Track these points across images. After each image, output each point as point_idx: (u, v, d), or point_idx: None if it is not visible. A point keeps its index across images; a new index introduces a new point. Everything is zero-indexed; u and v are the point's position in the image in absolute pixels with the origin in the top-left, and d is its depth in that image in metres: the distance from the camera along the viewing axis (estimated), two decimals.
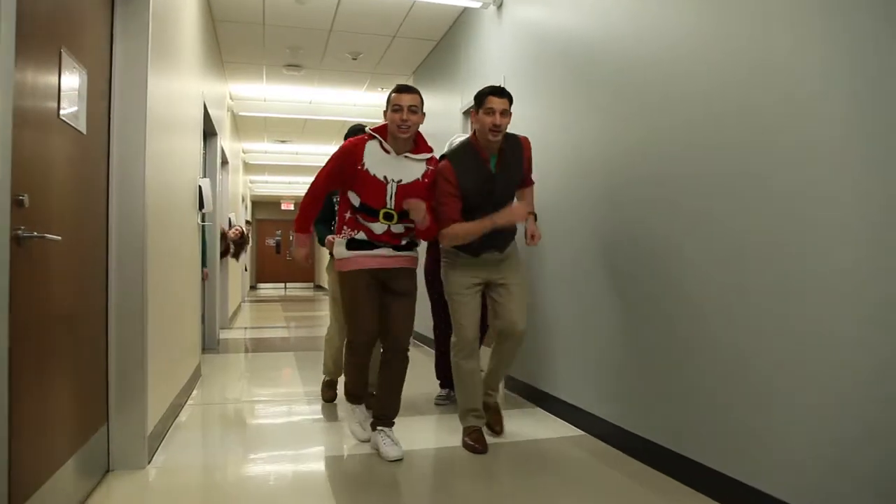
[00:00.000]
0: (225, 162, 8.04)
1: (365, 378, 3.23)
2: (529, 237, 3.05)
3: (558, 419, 3.74)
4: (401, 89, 2.91)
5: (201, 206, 4.77)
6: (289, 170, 14.08)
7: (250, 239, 9.50)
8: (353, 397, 3.25)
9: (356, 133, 3.38)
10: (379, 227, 2.97)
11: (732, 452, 2.40)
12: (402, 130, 2.86)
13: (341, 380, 3.82)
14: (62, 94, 2.09)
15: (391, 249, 3.01)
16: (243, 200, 13.17)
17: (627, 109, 3.15)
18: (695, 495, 2.54)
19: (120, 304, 2.72)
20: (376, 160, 2.91)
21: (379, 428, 3.07)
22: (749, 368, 2.33)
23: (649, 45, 2.96)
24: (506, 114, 2.94)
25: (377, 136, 2.93)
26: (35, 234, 1.79)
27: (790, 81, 2.17)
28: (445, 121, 6.20)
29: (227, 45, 6.50)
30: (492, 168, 3.04)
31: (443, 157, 3.14)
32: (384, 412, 3.08)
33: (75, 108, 2.23)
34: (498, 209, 2.96)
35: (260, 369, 5.67)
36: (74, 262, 2.28)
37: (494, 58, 4.91)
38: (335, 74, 7.47)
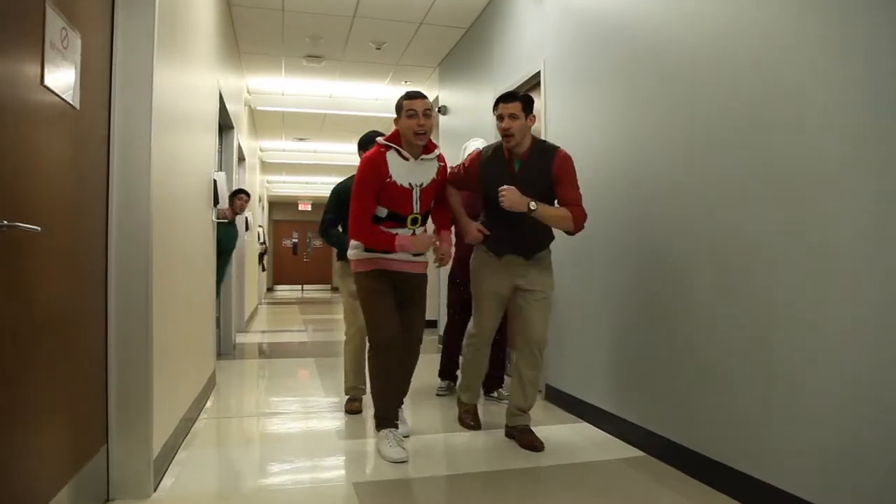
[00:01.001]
0: (242, 158, 7.73)
1: (394, 389, 3.15)
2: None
3: (608, 435, 3.34)
4: (412, 96, 2.96)
5: (216, 201, 4.43)
6: (307, 169, 13.78)
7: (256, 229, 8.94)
8: (385, 421, 3.10)
9: (369, 141, 3.47)
10: (404, 233, 3.03)
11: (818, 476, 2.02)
12: (419, 137, 2.91)
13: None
14: (46, 55, 1.73)
15: (408, 255, 3.08)
16: (260, 201, 12.89)
17: (675, 105, 2.79)
18: None
19: (121, 307, 2.37)
20: (400, 169, 2.97)
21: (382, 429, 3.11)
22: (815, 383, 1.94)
23: (713, 37, 2.57)
24: (515, 117, 2.97)
25: (393, 145, 2.97)
26: (4, 222, 1.43)
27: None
28: (474, 115, 5.81)
29: (244, 34, 6.17)
30: (515, 169, 3.07)
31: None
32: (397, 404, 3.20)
33: (64, 76, 1.88)
34: (522, 213, 2.95)
35: (278, 377, 5.31)
36: (63, 257, 1.93)
37: (531, 46, 4.53)
38: (357, 66, 7.12)
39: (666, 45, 2.98)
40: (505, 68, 5.01)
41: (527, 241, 3.12)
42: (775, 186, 2.33)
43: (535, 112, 3.08)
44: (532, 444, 3.11)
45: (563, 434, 3.44)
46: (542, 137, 4.26)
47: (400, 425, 3.15)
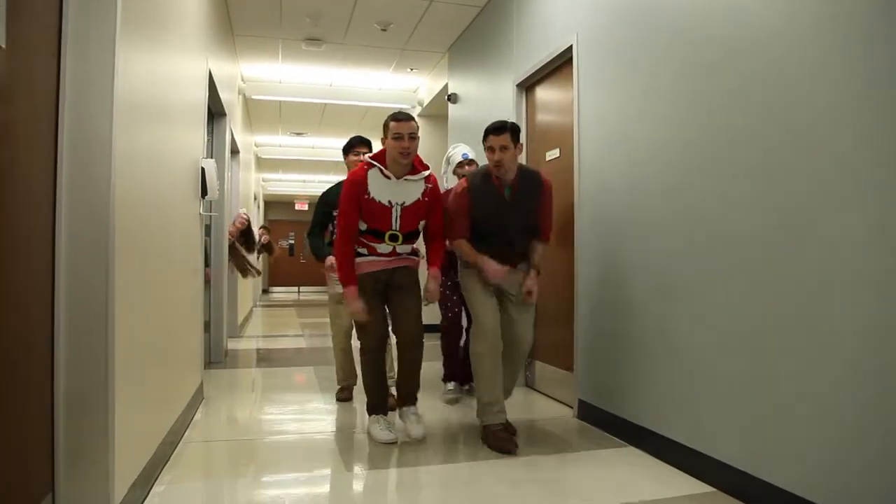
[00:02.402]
0: (236, 151, 7.21)
1: (385, 385, 3.37)
2: (526, 293, 3.23)
3: (665, 464, 2.83)
4: (399, 118, 3.07)
5: (204, 192, 3.91)
6: (304, 166, 13.26)
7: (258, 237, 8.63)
8: (376, 408, 3.31)
9: (353, 146, 3.90)
10: (384, 248, 3.21)
11: None
12: (403, 157, 3.05)
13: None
14: None
15: (392, 257, 3.24)
16: (255, 199, 12.37)
17: (728, 95, 2.27)
18: None
19: (72, 322, 1.86)
20: (379, 187, 3.10)
21: (404, 408, 3.32)
22: None
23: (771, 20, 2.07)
24: (505, 149, 3.08)
25: (376, 164, 3.10)
26: None
27: None
28: (489, 104, 5.30)
29: (238, 14, 5.66)
30: (506, 195, 3.17)
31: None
32: (408, 391, 3.33)
33: None
34: (516, 235, 3.22)
35: (275, 389, 4.79)
36: None
37: (561, 16, 4.01)
38: (360, 51, 6.61)
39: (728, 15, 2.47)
40: (528, 46, 4.50)
41: (513, 255, 3.25)
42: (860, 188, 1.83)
43: (520, 142, 3.20)
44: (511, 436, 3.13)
45: (610, 462, 2.93)
46: (575, 125, 3.78)
47: (416, 426, 3.23)
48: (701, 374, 2.68)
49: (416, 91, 7.85)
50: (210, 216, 5.27)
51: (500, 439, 3.05)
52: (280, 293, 18.70)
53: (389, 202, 3.12)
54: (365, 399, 3.39)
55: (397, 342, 3.29)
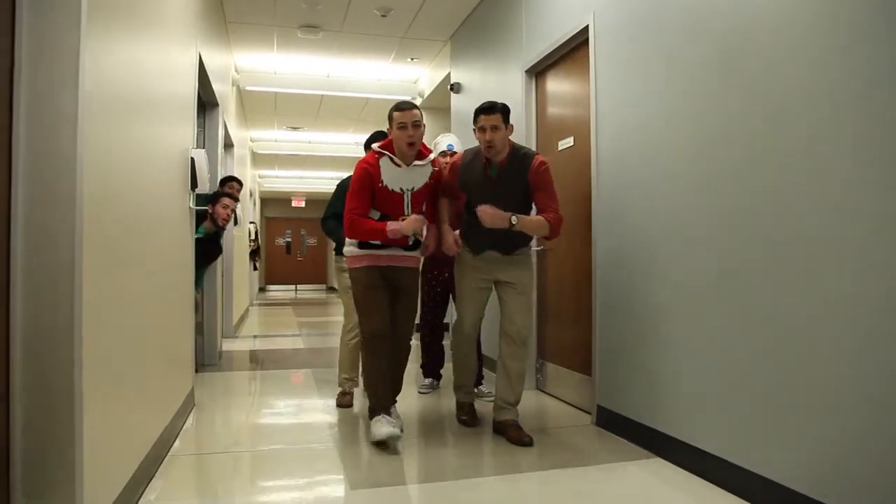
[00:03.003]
0: (229, 145, 6.94)
1: (388, 383, 3.25)
2: (482, 211, 3.07)
3: (699, 479, 2.57)
4: (402, 107, 3.11)
5: (194, 183, 3.64)
6: (301, 162, 12.97)
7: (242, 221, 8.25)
8: (377, 410, 3.18)
9: (375, 140, 3.49)
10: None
11: None
12: (409, 147, 3.09)
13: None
14: None
15: (400, 249, 3.24)
16: (251, 196, 12.09)
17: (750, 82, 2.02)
18: None
19: (30, 326, 1.59)
20: (391, 175, 3.14)
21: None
22: None
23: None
24: (496, 129, 3.08)
25: (386, 152, 3.14)
26: None
27: None
28: (496, 93, 5.04)
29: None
30: (491, 174, 3.17)
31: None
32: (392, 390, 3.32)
33: None
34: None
35: (272, 394, 4.53)
36: None
37: None
38: (358, 40, 6.34)
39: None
40: (539, 29, 4.24)
41: (505, 239, 3.18)
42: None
43: (511, 123, 3.17)
44: (521, 438, 3.11)
45: (638, 476, 2.68)
46: (592, 112, 3.52)
47: (394, 422, 3.11)
48: (737, 378, 2.43)
49: (417, 82, 7.58)
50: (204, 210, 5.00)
51: (464, 416, 3.47)
52: (277, 291, 18.42)
53: (401, 189, 3.15)
54: (367, 404, 3.21)
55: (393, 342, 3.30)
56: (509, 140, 3.17)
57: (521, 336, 3.23)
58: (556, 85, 4.18)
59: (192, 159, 3.61)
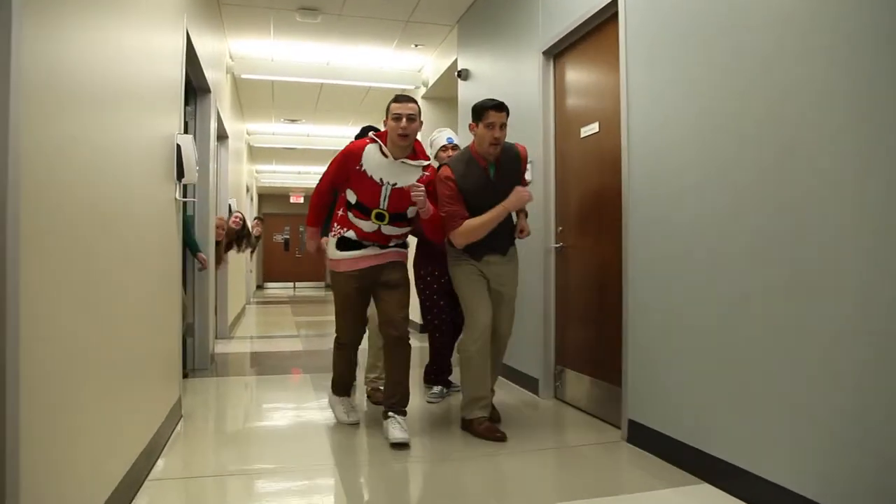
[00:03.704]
0: (224, 136, 6.59)
1: (353, 372, 3.50)
2: (519, 231, 3.32)
3: None
4: (400, 99, 3.11)
5: (181, 173, 3.30)
6: (299, 156, 12.61)
7: (251, 229, 8.08)
8: (340, 389, 3.47)
9: (366, 133, 3.56)
10: (368, 226, 3.14)
11: None
12: (401, 138, 3.06)
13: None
14: None
15: (378, 248, 3.19)
16: (248, 191, 11.74)
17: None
18: None
19: None
20: (374, 163, 3.10)
21: (391, 415, 3.13)
22: None
23: None
24: (504, 127, 3.12)
25: (378, 140, 3.12)
26: None
27: None
28: (509, 78, 4.69)
29: None
30: (491, 175, 3.17)
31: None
32: (395, 401, 3.16)
33: None
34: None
35: (266, 403, 4.18)
36: None
37: None
38: (359, 24, 5.98)
39: None
40: (558, 6, 3.88)
41: (500, 239, 3.24)
42: None
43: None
44: (493, 434, 3.13)
45: None
46: (622, 95, 3.20)
47: (400, 431, 3.06)
48: (806, 400, 2.08)
49: (421, 70, 7.22)
50: (193, 203, 4.66)
51: (488, 429, 3.16)
52: (275, 289, 18.07)
53: (381, 180, 3.10)
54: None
55: (385, 341, 3.24)
56: None
57: (507, 338, 3.37)
58: (578, 67, 3.83)
59: (178, 146, 3.26)
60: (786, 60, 2.19)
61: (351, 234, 3.14)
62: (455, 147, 3.89)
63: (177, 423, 3.33)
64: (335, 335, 3.40)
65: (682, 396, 2.72)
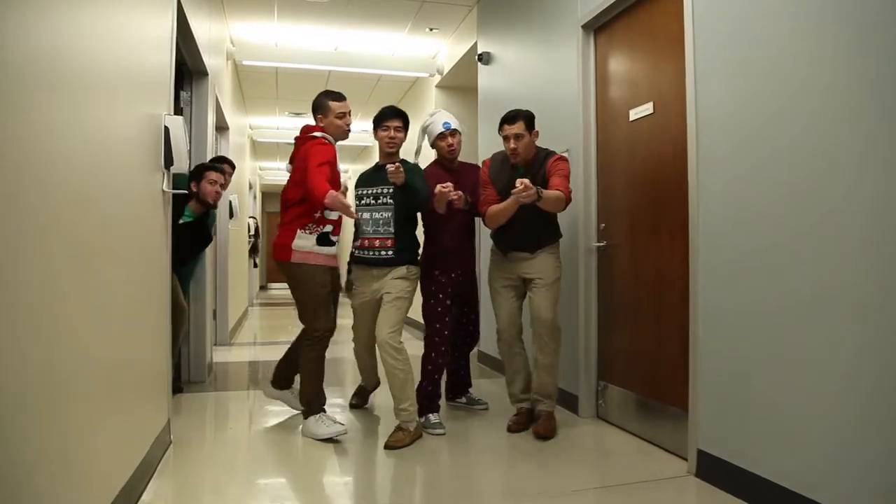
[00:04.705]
0: (224, 127, 6.12)
1: (322, 378, 3.32)
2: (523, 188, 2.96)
3: None
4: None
5: (169, 160, 2.82)
6: None
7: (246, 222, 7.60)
8: (316, 406, 3.22)
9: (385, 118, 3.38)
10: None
11: None
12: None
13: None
14: None
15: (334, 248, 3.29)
16: (251, 188, 11.27)
17: None
18: None
19: None
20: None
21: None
22: None
23: None
24: (519, 138, 3.14)
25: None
26: None
27: None
28: (538, 60, 4.21)
29: None
30: (518, 175, 3.10)
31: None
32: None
33: None
34: (525, 211, 3.06)
35: (269, 424, 3.70)
36: None
37: None
38: (370, 5, 5.50)
39: None
40: None
41: (526, 236, 3.23)
42: None
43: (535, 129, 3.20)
44: (549, 431, 3.17)
45: None
46: (689, 69, 2.71)
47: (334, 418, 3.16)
48: None
49: (436, 57, 6.73)
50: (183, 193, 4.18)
51: (514, 422, 3.32)
52: (279, 289, 17.59)
53: None
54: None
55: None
56: (534, 146, 3.23)
57: (547, 328, 3.20)
58: (626, 40, 3.34)
59: (167, 129, 2.79)
60: None
61: (328, 227, 3.21)
62: (454, 132, 3.41)
63: (164, 453, 2.86)
64: (315, 334, 3.20)
65: (772, 424, 2.24)
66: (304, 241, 3.16)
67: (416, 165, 3.32)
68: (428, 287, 3.40)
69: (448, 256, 3.41)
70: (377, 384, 3.79)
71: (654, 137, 3.07)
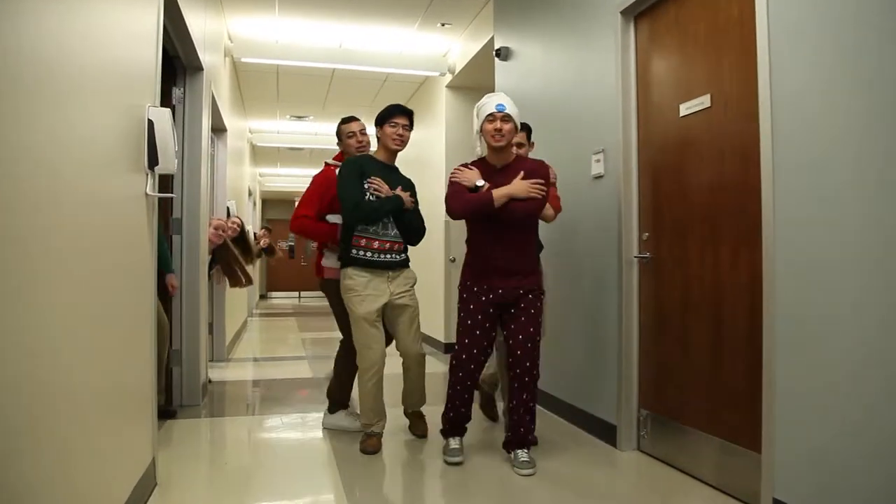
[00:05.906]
0: (222, 129, 5.74)
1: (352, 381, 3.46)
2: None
3: None
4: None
5: (154, 160, 2.43)
6: (306, 158, 11.76)
7: (257, 240, 7.28)
8: (341, 403, 3.52)
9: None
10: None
11: None
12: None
13: None
14: None
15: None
16: (251, 195, 10.89)
17: None
18: None
19: None
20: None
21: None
22: None
23: None
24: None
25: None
26: None
27: None
28: (565, 53, 3.83)
29: None
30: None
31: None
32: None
33: None
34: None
35: (270, 462, 3.29)
36: None
37: None
38: (379, 0, 5.14)
39: None
40: None
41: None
42: None
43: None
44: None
45: None
46: (762, 52, 2.34)
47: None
48: None
49: (447, 55, 6.35)
50: (171, 198, 3.81)
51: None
52: (279, 299, 17.20)
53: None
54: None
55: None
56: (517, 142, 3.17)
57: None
58: (675, 26, 2.96)
59: (150, 123, 2.40)
60: None
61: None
62: (506, 117, 2.87)
63: (147, 499, 2.45)
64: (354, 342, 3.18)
65: (873, 474, 1.84)
66: (329, 261, 3.42)
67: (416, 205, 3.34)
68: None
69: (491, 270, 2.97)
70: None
71: (710, 134, 2.68)
